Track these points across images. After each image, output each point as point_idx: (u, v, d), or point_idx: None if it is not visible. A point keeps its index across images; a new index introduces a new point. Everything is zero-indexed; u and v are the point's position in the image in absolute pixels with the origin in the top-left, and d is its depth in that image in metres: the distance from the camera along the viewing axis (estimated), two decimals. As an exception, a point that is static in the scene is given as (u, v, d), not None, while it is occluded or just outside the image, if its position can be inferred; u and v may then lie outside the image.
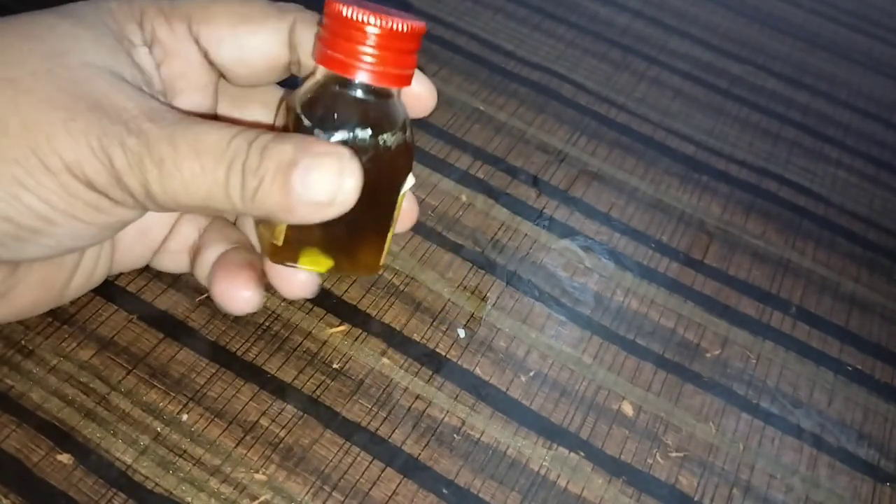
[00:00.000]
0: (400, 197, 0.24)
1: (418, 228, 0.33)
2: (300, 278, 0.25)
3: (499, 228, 0.34)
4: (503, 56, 0.42)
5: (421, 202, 0.34)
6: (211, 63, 0.24)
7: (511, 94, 0.40)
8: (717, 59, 0.46)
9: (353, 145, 0.22)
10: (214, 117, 0.26)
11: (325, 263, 0.24)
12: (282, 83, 0.26)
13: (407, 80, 0.23)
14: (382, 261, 0.25)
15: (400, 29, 0.21)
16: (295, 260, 0.24)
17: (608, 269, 0.33)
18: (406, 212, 0.26)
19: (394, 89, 0.23)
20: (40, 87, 0.19)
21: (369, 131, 0.22)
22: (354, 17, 0.21)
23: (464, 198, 0.34)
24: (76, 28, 0.21)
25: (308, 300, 0.29)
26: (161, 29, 0.22)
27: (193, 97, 0.24)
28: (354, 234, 0.24)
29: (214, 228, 0.26)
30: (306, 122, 0.22)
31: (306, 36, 0.23)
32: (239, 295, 0.24)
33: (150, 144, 0.19)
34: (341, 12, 0.21)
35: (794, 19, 0.51)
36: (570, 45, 0.44)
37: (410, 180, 0.24)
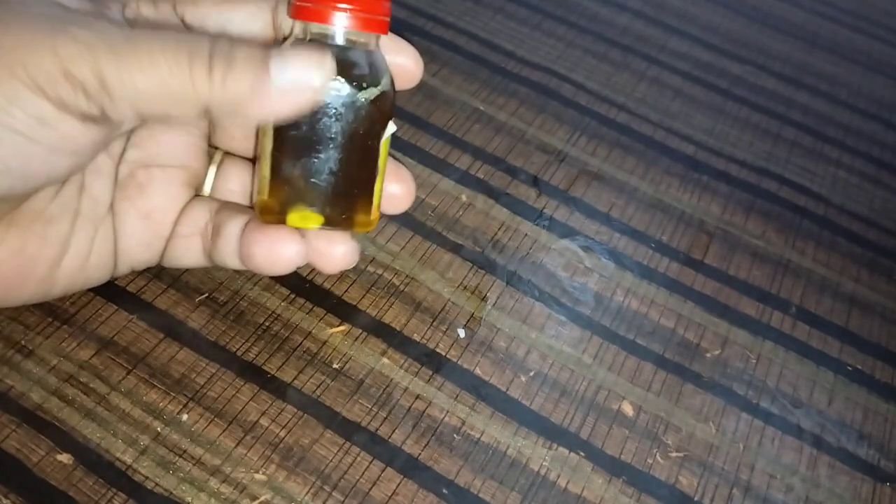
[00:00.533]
0: (382, 145, 0.24)
1: (418, 228, 0.33)
2: (339, 251, 0.25)
3: (499, 228, 0.34)
4: (503, 56, 0.42)
5: (421, 202, 0.34)
6: None
7: (511, 94, 0.40)
8: (717, 59, 0.46)
9: (331, 93, 0.22)
10: None
11: (316, 219, 0.24)
12: None
13: (381, 27, 0.23)
14: (373, 215, 0.25)
15: None
16: (283, 218, 0.24)
17: (608, 269, 0.33)
18: (401, 195, 0.26)
19: (370, 38, 0.24)
20: None
21: (347, 79, 0.23)
22: None
23: (464, 198, 0.34)
24: None
25: (308, 300, 0.29)
26: (145, 7, 0.23)
27: None
28: (340, 185, 0.24)
29: (229, 207, 0.26)
30: None
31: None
32: (285, 250, 0.24)
33: (103, 33, 0.18)
34: None
35: (794, 19, 0.51)
36: (570, 45, 0.44)
37: (391, 127, 0.24)
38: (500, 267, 0.32)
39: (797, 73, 0.46)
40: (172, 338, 0.27)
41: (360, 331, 0.29)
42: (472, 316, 0.30)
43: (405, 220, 0.33)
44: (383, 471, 0.26)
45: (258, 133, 0.26)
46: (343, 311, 0.29)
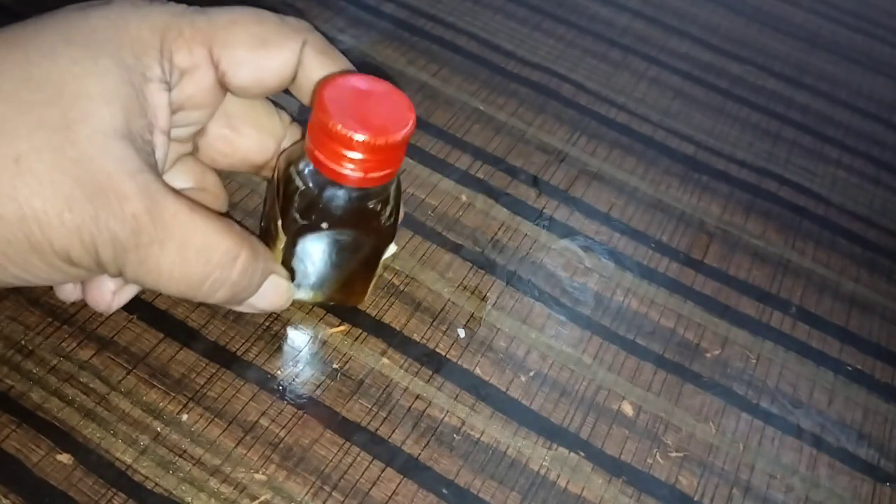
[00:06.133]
0: (384, 258, 0.27)
1: (418, 228, 0.33)
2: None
3: (499, 228, 0.34)
4: (503, 56, 0.42)
5: (421, 202, 0.34)
6: (224, 86, 0.24)
7: (511, 94, 0.40)
8: (717, 59, 0.46)
9: (340, 229, 0.25)
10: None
11: (314, 298, 0.28)
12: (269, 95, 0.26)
13: (393, 175, 0.24)
14: (368, 294, 0.29)
15: (383, 143, 0.22)
16: None
17: (608, 269, 0.33)
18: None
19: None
20: (43, 168, 0.19)
21: (358, 224, 0.25)
22: (341, 132, 0.22)
23: (464, 198, 0.34)
24: (89, 76, 0.20)
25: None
26: (179, 54, 0.22)
27: (192, 115, 0.24)
28: (342, 285, 0.27)
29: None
30: (298, 217, 0.24)
31: (311, 58, 0.24)
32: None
33: (139, 244, 0.20)
34: (328, 125, 0.22)
35: (794, 19, 0.51)
36: (570, 45, 0.44)
37: (393, 247, 0.27)
38: (500, 267, 0.32)
39: (797, 73, 0.46)
40: (172, 338, 0.27)
41: (360, 331, 0.29)
42: (472, 316, 0.30)
43: (405, 220, 0.33)
44: (383, 471, 0.26)
45: (271, 182, 0.26)
46: (343, 311, 0.29)
